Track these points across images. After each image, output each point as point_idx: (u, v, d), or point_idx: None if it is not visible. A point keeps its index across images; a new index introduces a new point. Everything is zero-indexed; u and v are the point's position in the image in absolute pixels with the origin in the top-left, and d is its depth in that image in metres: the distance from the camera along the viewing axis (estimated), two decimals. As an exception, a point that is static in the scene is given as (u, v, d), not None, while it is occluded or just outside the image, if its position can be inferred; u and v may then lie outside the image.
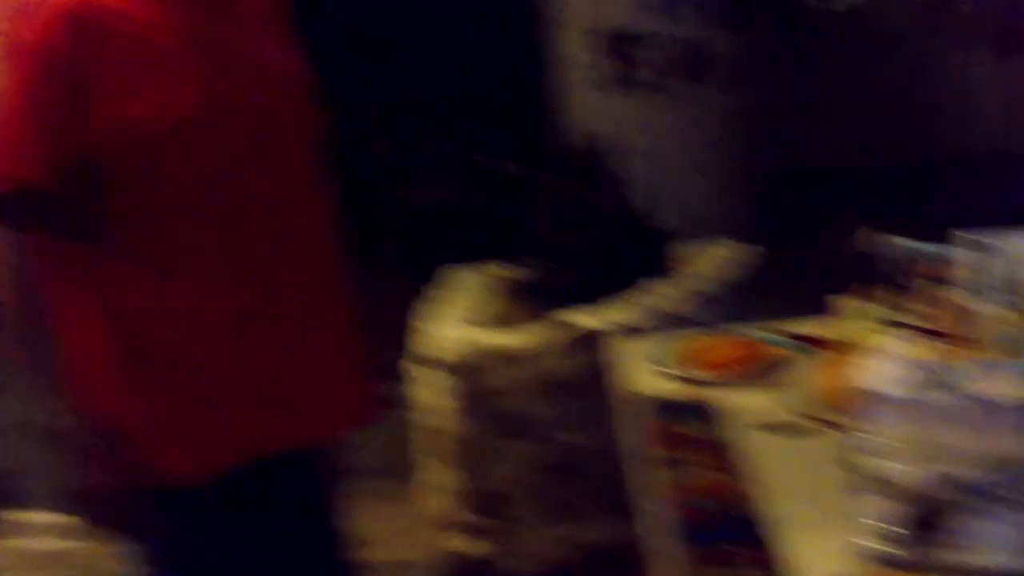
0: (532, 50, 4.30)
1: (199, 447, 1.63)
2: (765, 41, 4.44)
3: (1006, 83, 5.76)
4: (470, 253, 3.35)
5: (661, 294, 3.03)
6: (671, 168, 4.03)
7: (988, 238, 1.80)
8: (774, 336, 2.12)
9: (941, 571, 1.24)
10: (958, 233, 1.81)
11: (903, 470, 1.25)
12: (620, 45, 4.10)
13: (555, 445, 3.01)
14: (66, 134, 1.48)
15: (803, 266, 3.40)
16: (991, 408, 1.21)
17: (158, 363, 1.60)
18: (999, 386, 1.22)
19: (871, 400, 1.28)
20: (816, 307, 2.09)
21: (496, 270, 3.27)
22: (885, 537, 1.27)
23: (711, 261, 3.26)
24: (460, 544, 3.06)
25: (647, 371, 2.06)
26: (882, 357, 1.31)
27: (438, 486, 3.04)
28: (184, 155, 1.54)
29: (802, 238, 4.00)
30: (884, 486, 1.26)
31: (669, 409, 1.90)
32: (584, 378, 2.93)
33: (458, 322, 3.03)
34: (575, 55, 4.14)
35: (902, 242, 1.87)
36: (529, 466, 3.03)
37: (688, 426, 1.82)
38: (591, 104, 4.06)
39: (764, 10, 4.54)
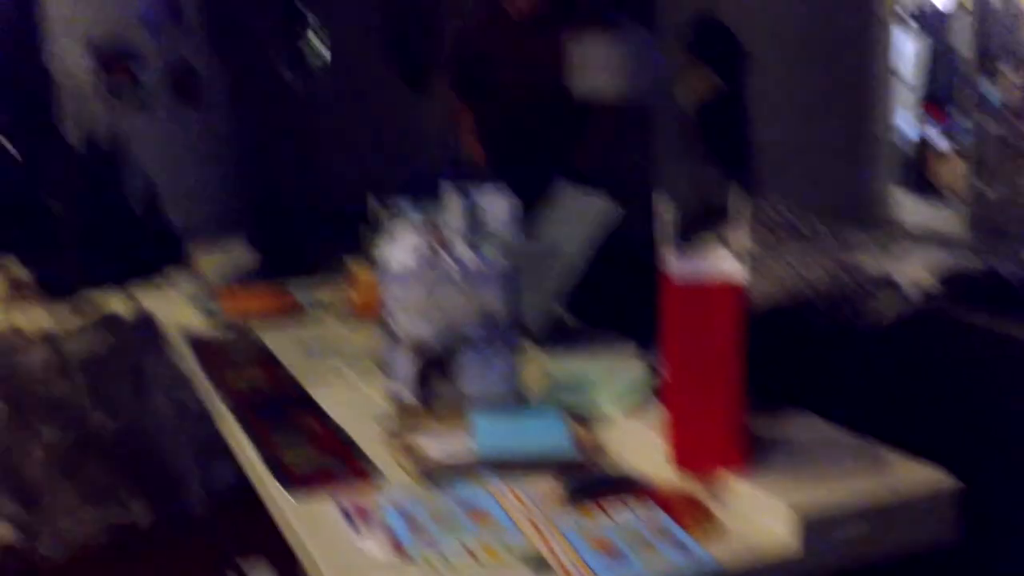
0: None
1: None
2: (250, 71, 4.90)
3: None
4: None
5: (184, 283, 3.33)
6: (179, 176, 4.35)
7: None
8: (296, 287, 2.56)
9: (450, 407, 1.71)
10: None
11: (414, 327, 1.71)
12: (116, 60, 4.38)
13: (82, 427, 3.20)
14: None
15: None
16: (475, 274, 1.70)
17: None
18: (475, 261, 1.72)
19: (387, 277, 1.73)
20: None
21: (13, 262, 3.39)
22: (407, 385, 1.73)
23: (219, 259, 3.62)
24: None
25: (194, 315, 2.42)
26: (390, 242, 1.76)
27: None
28: None
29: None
30: (403, 343, 1.72)
31: (220, 342, 2.26)
32: (107, 358, 3.16)
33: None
34: (75, 66, 4.36)
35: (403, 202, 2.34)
36: (57, 449, 3.19)
37: (235, 347, 2.20)
38: (97, 113, 4.28)
39: (249, 44, 5.00)
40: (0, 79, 4.56)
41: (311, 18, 6.91)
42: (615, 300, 2.22)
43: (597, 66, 3.97)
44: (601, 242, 2.10)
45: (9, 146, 3.31)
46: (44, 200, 3.27)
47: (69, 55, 4.39)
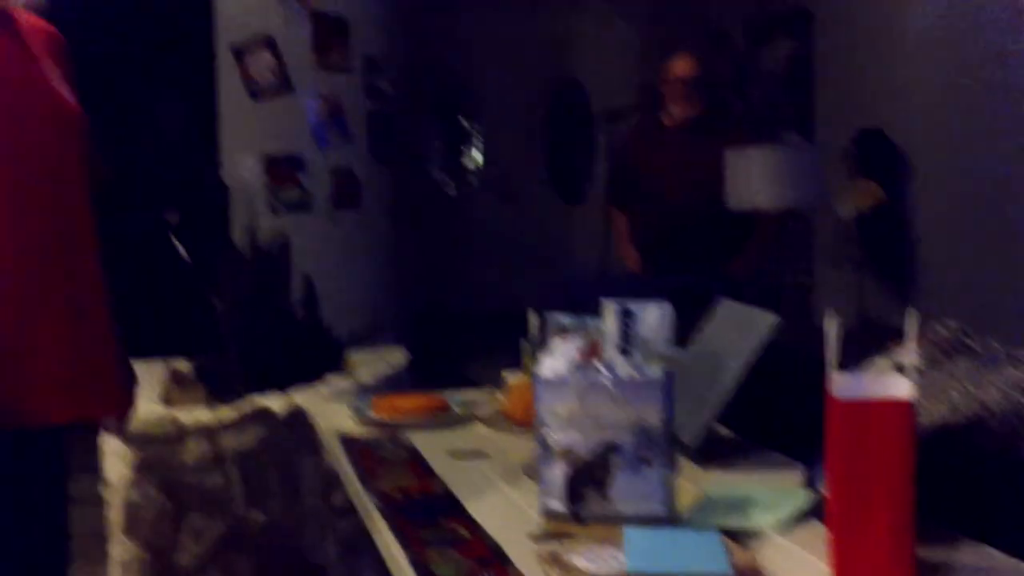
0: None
1: None
2: (410, 179, 5.04)
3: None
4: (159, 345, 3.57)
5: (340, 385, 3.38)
6: (337, 280, 4.46)
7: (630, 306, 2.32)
8: (449, 394, 2.56)
9: (601, 520, 1.67)
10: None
11: (566, 437, 1.68)
12: (283, 167, 4.56)
13: (233, 519, 3.25)
14: None
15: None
16: (630, 384, 1.67)
17: None
18: (631, 371, 1.69)
19: (540, 385, 1.71)
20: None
21: (183, 361, 3.50)
22: (557, 496, 1.70)
23: (373, 361, 3.67)
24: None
25: (346, 414, 2.44)
26: (547, 355, 1.75)
27: (126, 562, 3.18)
28: None
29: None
30: (554, 452, 1.69)
31: (370, 443, 2.27)
32: (260, 452, 3.21)
33: (145, 403, 3.24)
34: (245, 172, 4.55)
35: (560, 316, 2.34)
36: (207, 540, 3.24)
37: (385, 449, 2.21)
38: (263, 218, 4.44)
39: (409, 152, 5.14)
40: (176, 183, 4.80)
41: (470, 127, 7.09)
42: (776, 415, 2.16)
43: (756, 176, 3.94)
44: (761, 354, 2.04)
45: (180, 247, 3.45)
46: (209, 299, 3.38)
47: (240, 162, 4.60)
